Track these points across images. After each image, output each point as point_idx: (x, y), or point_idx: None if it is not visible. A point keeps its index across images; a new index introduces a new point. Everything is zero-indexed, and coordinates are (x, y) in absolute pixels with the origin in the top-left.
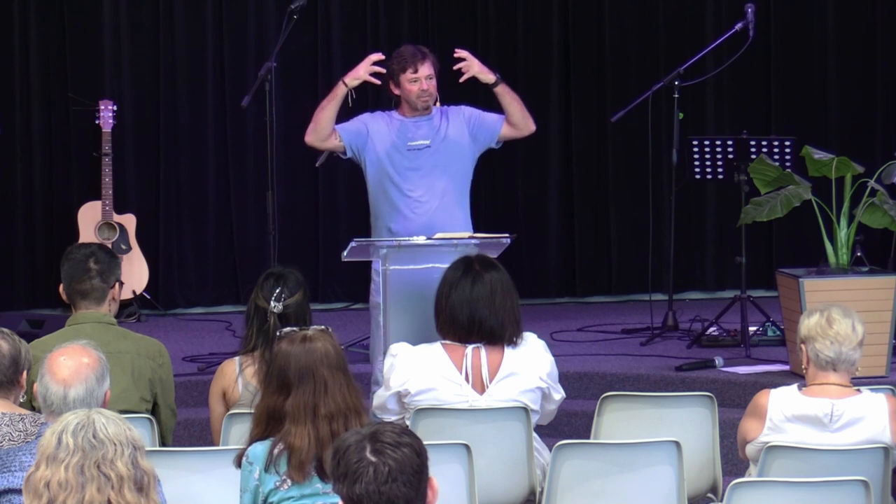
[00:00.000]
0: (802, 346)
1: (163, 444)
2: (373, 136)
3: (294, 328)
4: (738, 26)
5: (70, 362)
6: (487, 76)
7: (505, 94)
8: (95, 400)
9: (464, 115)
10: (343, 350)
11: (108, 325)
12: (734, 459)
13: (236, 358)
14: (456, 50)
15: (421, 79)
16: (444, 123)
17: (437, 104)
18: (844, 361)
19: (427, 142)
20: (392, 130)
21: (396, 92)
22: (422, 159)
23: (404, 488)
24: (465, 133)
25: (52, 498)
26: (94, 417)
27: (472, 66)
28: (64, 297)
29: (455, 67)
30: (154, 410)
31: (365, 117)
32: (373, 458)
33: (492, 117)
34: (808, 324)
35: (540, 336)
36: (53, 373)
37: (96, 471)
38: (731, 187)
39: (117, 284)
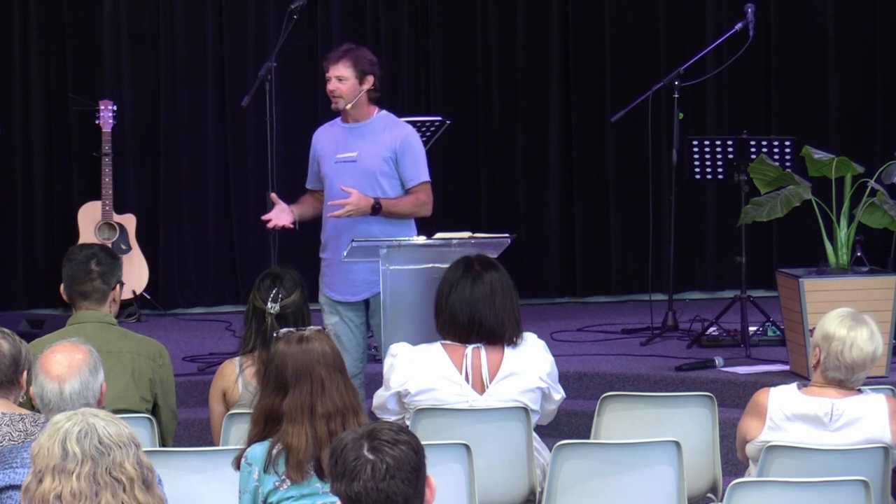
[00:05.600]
0: (816, 349)
1: (163, 445)
2: (316, 155)
3: (291, 329)
4: (738, 26)
5: (62, 359)
6: (366, 210)
7: (389, 212)
8: (92, 392)
9: (398, 142)
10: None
11: (109, 325)
12: (734, 459)
13: (236, 358)
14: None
15: (331, 78)
16: (380, 136)
17: (348, 107)
18: (854, 382)
19: (354, 154)
20: (328, 141)
21: None
22: (346, 174)
23: (402, 485)
24: (391, 154)
25: None
26: (93, 421)
27: (350, 209)
28: (64, 297)
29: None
30: (155, 412)
31: (313, 145)
32: (370, 456)
33: (405, 174)
34: (830, 335)
35: (540, 336)
36: (47, 371)
37: (108, 477)
38: (731, 187)
39: (118, 286)
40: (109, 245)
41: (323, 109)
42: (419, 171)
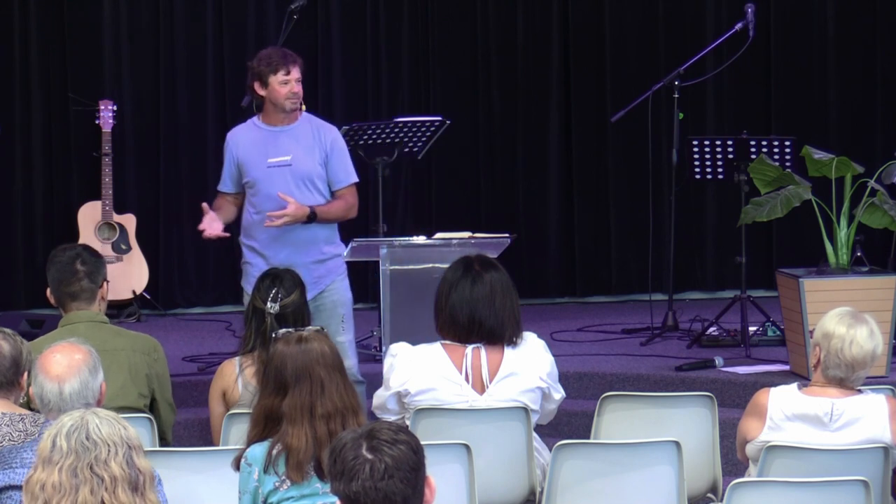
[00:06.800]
0: (816, 349)
1: (163, 439)
2: (240, 159)
3: (290, 329)
4: (738, 26)
5: (62, 359)
6: (303, 218)
7: (324, 219)
8: (91, 392)
9: (329, 143)
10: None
11: (101, 323)
12: (734, 459)
13: (236, 358)
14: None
15: (292, 81)
16: (310, 139)
17: (303, 109)
18: (854, 380)
19: (288, 158)
20: (252, 144)
21: (262, 93)
22: (281, 178)
23: (401, 485)
24: (322, 156)
25: (46, 500)
26: (89, 418)
27: (287, 220)
28: (52, 300)
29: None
30: (153, 406)
31: (228, 146)
32: (369, 456)
33: (335, 176)
34: (829, 334)
35: (540, 336)
36: (46, 371)
37: (89, 472)
38: (731, 187)
39: (105, 283)
40: (110, 245)
41: (322, 110)
42: (349, 173)
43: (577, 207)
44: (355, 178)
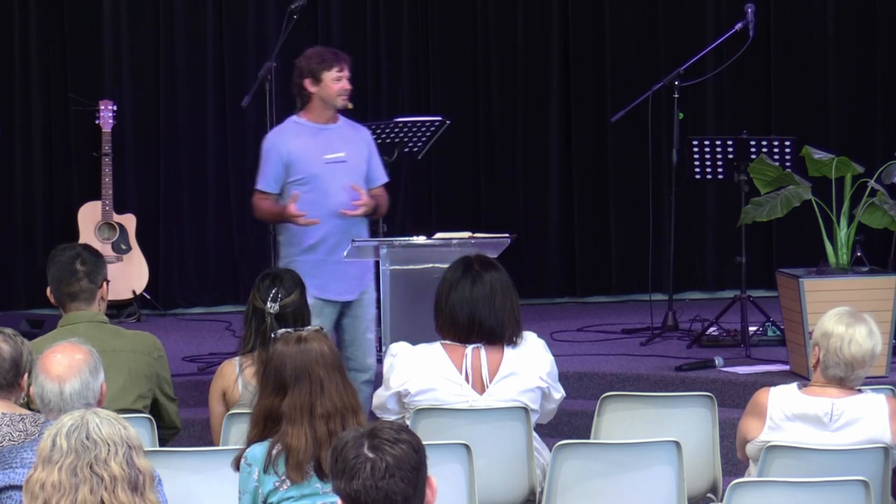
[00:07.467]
0: (816, 348)
1: (173, 427)
2: (290, 157)
3: (289, 329)
4: (738, 26)
5: (62, 359)
6: (371, 210)
7: (379, 213)
8: (92, 393)
9: (369, 143)
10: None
11: (101, 323)
12: (734, 459)
13: (236, 358)
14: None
15: (344, 78)
16: (355, 137)
17: (350, 106)
18: (854, 380)
19: (342, 154)
20: (303, 142)
21: (313, 90)
22: (340, 174)
23: (402, 484)
24: (367, 154)
25: (46, 499)
26: (89, 418)
27: (366, 209)
28: (52, 299)
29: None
30: (155, 403)
31: (274, 146)
32: (370, 455)
33: (374, 174)
34: (828, 333)
35: (540, 336)
36: (47, 371)
37: (89, 471)
38: (731, 187)
39: (105, 283)
40: (110, 245)
41: None
42: (383, 173)
43: (577, 207)
44: (387, 178)
